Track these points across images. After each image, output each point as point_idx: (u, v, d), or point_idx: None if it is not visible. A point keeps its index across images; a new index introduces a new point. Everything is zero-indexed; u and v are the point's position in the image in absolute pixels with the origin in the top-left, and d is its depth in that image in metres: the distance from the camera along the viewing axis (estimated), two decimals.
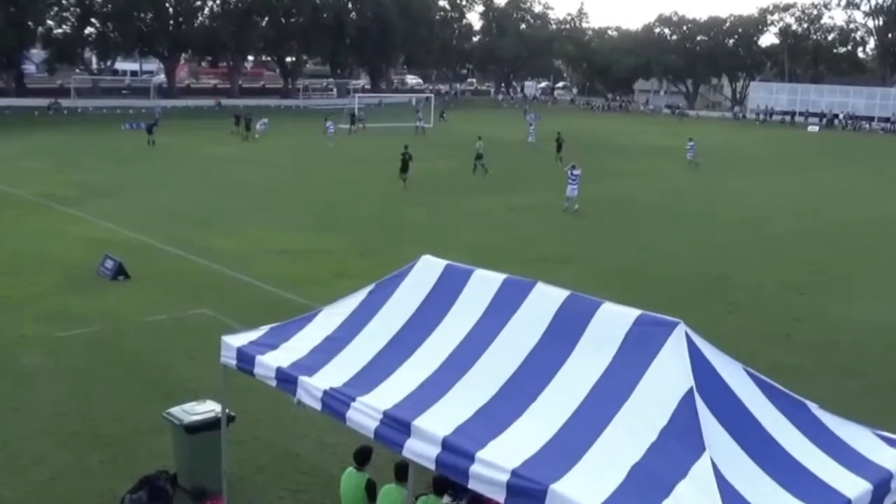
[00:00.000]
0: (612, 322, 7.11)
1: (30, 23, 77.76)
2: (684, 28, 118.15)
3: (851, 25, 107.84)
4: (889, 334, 17.96)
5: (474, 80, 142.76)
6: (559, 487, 5.87)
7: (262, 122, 57.65)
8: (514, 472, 6.10)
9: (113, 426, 12.12)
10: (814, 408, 7.19)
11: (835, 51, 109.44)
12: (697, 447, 5.99)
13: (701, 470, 5.83)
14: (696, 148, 47.43)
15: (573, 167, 31.52)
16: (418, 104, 73.48)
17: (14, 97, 76.56)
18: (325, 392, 7.59)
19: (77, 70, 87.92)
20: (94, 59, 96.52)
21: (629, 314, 7.13)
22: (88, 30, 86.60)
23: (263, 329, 8.87)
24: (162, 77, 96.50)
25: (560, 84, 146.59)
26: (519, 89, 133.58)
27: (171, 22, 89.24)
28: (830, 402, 7.69)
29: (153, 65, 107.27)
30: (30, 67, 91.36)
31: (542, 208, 31.79)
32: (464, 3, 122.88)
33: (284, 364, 8.13)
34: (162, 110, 68.29)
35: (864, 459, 6.73)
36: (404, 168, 36.00)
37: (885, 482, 6.63)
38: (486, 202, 33.00)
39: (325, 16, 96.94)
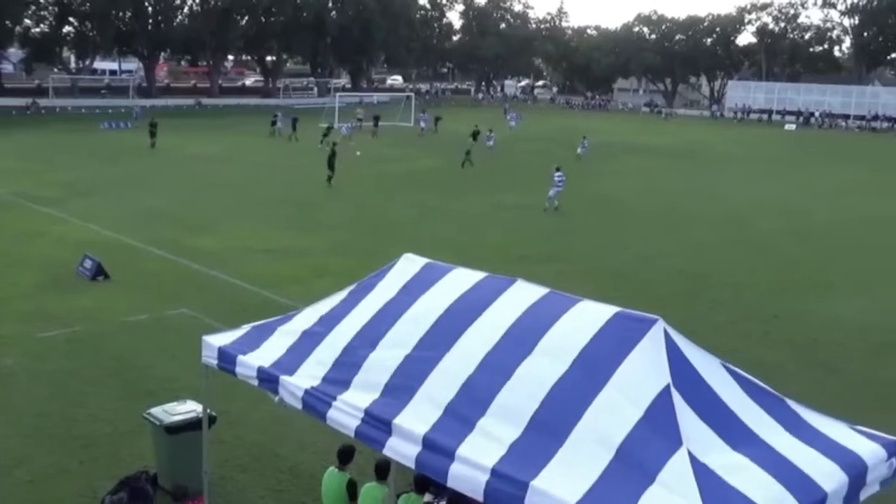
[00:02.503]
0: (589, 318, 7.13)
1: (7, 22, 76.91)
2: (663, 27, 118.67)
3: (828, 24, 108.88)
4: (868, 332, 18.15)
5: (455, 83, 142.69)
6: (539, 483, 5.90)
7: (277, 114, 58.66)
8: (493, 471, 6.12)
9: (94, 427, 12.05)
10: (791, 403, 7.26)
11: (811, 50, 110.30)
12: (674, 440, 6.03)
13: (678, 463, 5.87)
14: (587, 146, 48.53)
15: (557, 169, 31.72)
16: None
17: None
18: (306, 391, 7.59)
19: (55, 69, 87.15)
20: (72, 59, 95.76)
21: (607, 310, 7.17)
22: (66, 29, 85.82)
23: (244, 328, 8.84)
24: (141, 76, 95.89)
25: (540, 83, 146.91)
26: (499, 88, 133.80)
27: (150, 21, 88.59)
28: (808, 399, 7.77)
29: (132, 64, 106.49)
30: (7, 67, 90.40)
31: (525, 207, 31.86)
32: (444, 2, 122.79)
33: (266, 363, 8.11)
34: (141, 110, 67.80)
35: (841, 453, 6.78)
36: (330, 164, 35.48)
37: (861, 475, 6.70)
38: (471, 201, 33.05)
39: (305, 15, 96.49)
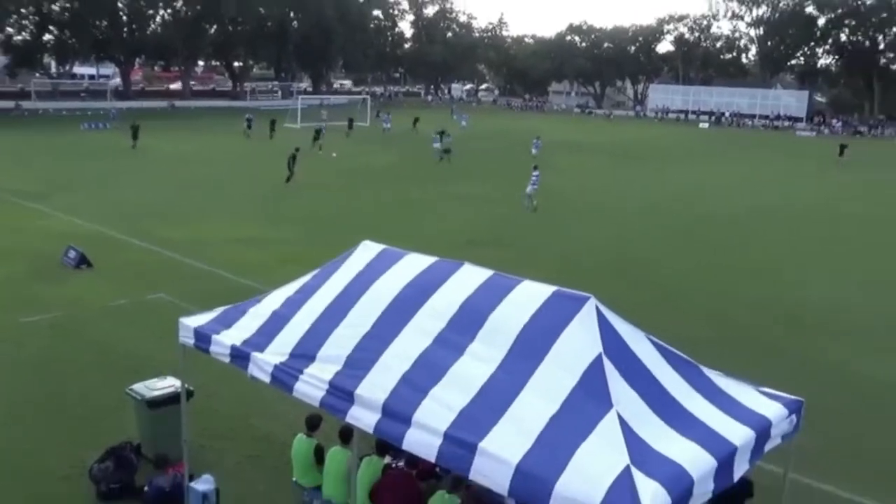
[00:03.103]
0: (530, 296, 7.19)
1: None
2: (592, 36, 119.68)
3: (736, 34, 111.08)
4: (772, 306, 18.63)
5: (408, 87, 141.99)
6: (486, 445, 5.96)
7: (250, 116, 56.81)
8: (445, 435, 6.16)
9: (80, 403, 11.85)
10: (706, 369, 7.42)
11: (722, 57, 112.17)
12: (605, 404, 6.12)
13: (609, 423, 5.97)
14: (540, 145, 46.96)
15: (535, 167, 31.38)
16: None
17: None
18: (274, 366, 7.56)
19: (37, 74, 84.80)
20: (53, 64, 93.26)
21: (546, 289, 7.22)
22: (47, 37, 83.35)
23: (218, 311, 8.75)
24: (118, 80, 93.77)
25: (483, 86, 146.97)
26: (447, 91, 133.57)
27: (125, 29, 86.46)
28: (720, 365, 7.92)
29: (109, 69, 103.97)
30: None
31: (474, 198, 31.94)
32: (396, 13, 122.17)
33: (237, 342, 8.05)
34: (118, 112, 66.24)
35: (749, 412, 6.97)
36: (289, 166, 33.85)
37: (765, 430, 6.89)
38: (426, 193, 33.03)
39: (269, 24, 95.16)
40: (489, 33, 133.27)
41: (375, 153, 47.12)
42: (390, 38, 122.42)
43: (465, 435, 6.09)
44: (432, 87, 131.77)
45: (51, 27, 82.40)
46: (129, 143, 45.47)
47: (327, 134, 51.32)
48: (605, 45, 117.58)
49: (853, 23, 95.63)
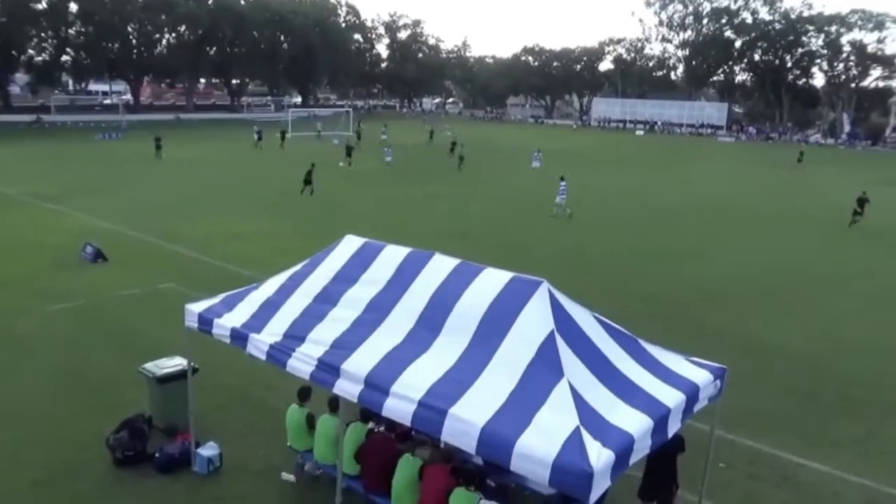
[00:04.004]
0: (492, 281, 7.18)
1: (13, 52, 72.87)
2: (543, 56, 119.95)
3: (666, 55, 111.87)
4: (701, 288, 18.79)
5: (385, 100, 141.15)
6: (456, 411, 5.94)
7: (259, 129, 54.25)
8: (420, 403, 6.13)
9: (98, 380, 11.62)
10: (643, 342, 7.47)
11: (654, 74, 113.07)
12: (558, 374, 6.13)
13: (561, 391, 5.99)
14: (541, 157, 45.11)
15: (561, 178, 30.15)
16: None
17: (1, 114, 71.63)
18: (269, 346, 7.47)
19: (56, 91, 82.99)
20: (70, 82, 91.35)
21: (505, 275, 7.22)
22: (65, 57, 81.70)
23: (219, 297, 8.63)
24: (129, 96, 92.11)
25: (450, 100, 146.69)
26: (419, 104, 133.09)
27: (135, 51, 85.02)
28: (655, 338, 7.96)
29: (121, 86, 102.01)
30: (15, 89, 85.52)
31: (447, 196, 31.80)
32: (373, 36, 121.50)
33: (237, 324, 7.95)
34: (128, 123, 64.97)
35: (680, 378, 7.02)
36: (308, 180, 32.09)
37: (695, 394, 6.95)
38: (405, 192, 32.77)
39: (262, 46, 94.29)
40: (455, 54, 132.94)
41: (371, 160, 46.62)
42: (369, 59, 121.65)
43: (436, 402, 6.07)
44: (406, 100, 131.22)
45: (68, 49, 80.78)
46: (152, 152, 43.71)
47: (334, 144, 50.32)
48: (555, 64, 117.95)
49: (765, 45, 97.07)
